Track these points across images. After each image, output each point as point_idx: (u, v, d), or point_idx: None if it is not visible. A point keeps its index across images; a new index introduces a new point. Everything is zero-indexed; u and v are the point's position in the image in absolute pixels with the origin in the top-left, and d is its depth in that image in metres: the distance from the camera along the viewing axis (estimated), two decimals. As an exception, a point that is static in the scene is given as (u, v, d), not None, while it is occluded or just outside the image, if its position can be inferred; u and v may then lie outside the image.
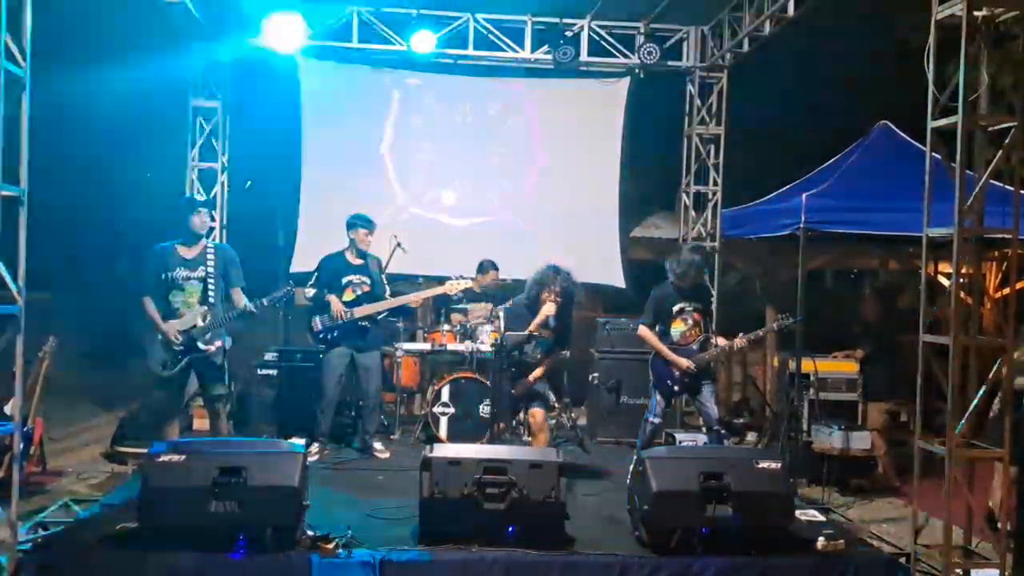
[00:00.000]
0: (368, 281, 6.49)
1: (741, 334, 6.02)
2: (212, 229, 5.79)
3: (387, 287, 6.65)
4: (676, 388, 6.02)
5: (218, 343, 5.64)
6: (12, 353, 4.41)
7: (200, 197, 5.80)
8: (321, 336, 6.44)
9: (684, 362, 5.91)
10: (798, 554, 4.58)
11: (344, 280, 6.45)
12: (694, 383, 5.99)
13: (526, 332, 5.78)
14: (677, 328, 6.05)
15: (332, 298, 6.38)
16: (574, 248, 8.73)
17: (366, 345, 6.49)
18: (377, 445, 6.63)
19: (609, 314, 8.37)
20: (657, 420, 6.07)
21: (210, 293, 5.59)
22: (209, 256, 5.63)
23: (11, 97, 4.29)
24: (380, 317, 6.63)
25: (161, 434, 5.63)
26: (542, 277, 5.84)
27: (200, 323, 5.55)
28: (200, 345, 5.56)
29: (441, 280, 7.03)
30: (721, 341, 6.05)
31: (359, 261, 6.51)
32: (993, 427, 5.05)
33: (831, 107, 11.87)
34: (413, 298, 6.57)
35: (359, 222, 6.49)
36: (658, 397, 6.06)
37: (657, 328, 6.07)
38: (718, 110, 8.83)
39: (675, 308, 6.04)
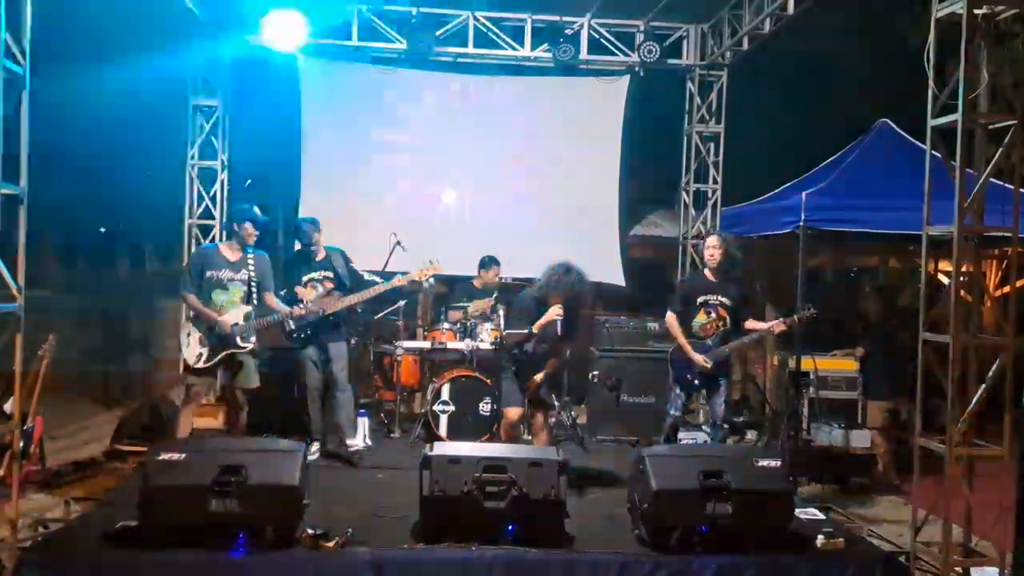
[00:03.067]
0: (331, 276, 6.46)
1: (781, 319, 6.06)
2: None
3: (361, 275, 6.59)
4: (696, 382, 6.03)
5: (252, 340, 5.87)
6: (11, 351, 4.41)
7: (257, 210, 5.94)
8: (295, 336, 6.41)
9: (700, 359, 5.91)
10: (798, 553, 4.58)
11: (305, 278, 6.44)
12: (711, 378, 6.02)
13: (527, 331, 5.75)
14: (699, 319, 6.04)
15: (301, 291, 6.35)
16: (574, 246, 8.63)
17: (333, 337, 6.44)
18: (351, 442, 6.50)
19: (609, 312, 8.37)
20: (677, 413, 6.11)
21: (252, 295, 5.87)
22: (250, 261, 5.89)
23: (11, 96, 4.29)
24: (384, 312, 6.59)
25: (177, 420, 5.91)
26: (553, 277, 5.64)
27: (242, 322, 5.79)
28: (238, 341, 5.77)
29: (442, 279, 7.02)
30: (758, 325, 6.08)
31: (319, 257, 6.49)
32: None
33: (831, 106, 11.86)
34: (373, 292, 6.47)
35: (306, 225, 6.46)
36: (678, 390, 6.08)
37: (681, 318, 6.06)
38: (718, 108, 8.83)
39: (700, 299, 6.04)
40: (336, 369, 6.40)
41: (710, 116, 8.85)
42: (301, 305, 6.03)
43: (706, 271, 6.13)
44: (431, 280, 6.74)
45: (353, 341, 7.01)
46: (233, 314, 5.78)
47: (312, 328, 6.35)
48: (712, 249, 6.08)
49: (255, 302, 5.86)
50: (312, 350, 6.41)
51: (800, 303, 6.34)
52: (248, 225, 5.84)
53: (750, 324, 6.15)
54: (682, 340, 6.00)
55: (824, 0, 6.90)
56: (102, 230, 11.73)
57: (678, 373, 6.07)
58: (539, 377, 5.76)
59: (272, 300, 6.00)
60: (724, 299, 6.03)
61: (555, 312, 5.58)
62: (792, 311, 6.15)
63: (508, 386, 5.77)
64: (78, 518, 5.01)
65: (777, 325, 6.04)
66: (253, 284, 5.85)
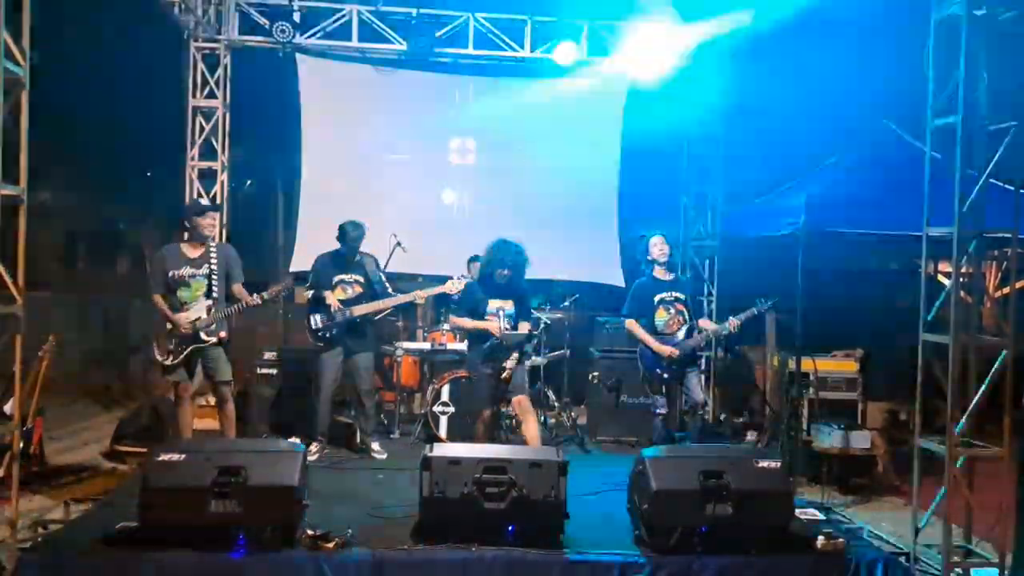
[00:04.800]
0: (361, 280, 6.49)
1: (731, 317, 6.20)
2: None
3: (388, 286, 6.64)
4: (665, 376, 6.17)
5: (222, 334, 5.91)
6: (12, 352, 4.41)
7: (204, 201, 6.03)
8: (320, 334, 6.44)
9: (667, 350, 6.09)
10: (798, 553, 4.58)
11: (335, 279, 6.46)
12: (680, 370, 6.16)
13: (527, 331, 5.80)
14: (660, 317, 6.23)
15: (328, 294, 6.39)
16: (574, 247, 8.75)
17: (360, 346, 6.49)
18: (375, 446, 6.63)
19: (608, 313, 8.38)
20: (663, 411, 6.21)
21: (214, 288, 5.89)
22: (212, 254, 5.93)
23: (11, 96, 4.29)
24: (377, 318, 6.62)
25: (175, 419, 6.02)
26: (495, 254, 5.89)
27: (204, 316, 5.84)
28: (203, 336, 5.83)
29: (442, 280, 7.02)
30: (706, 324, 6.29)
31: (352, 260, 6.52)
32: None
33: (831, 106, 11.86)
34: (410, 297, 6.55)
35: (350, 227, 6.48)
36: (653, 386, 6.25)
37: (641, 320, 6.25)
38: (718, 109, 8.82)
39: (656, 297, 6.22)
40: (361, 382, 6.52)
41: (710, 116, 8.84)
42: (258, 295, 5.95)
43: (656, 271, 6.31)
44: (459, 294, 6.78)
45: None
46: (196, 309, 5.84)
47: (338, 330, 6.38)
48: (661, 246, 6.30)
49: (216, 295, 5.88)
50: (335, 352, 6.44)
51: (799, 304, 6.35)
52: (197, 219, 5.89)
53: (702, 323, 6.35)
54: (644, 336, 6.18)
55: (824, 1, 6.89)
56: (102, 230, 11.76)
57: (647, 370, 6.23)
58: (511, 364, 5.82)
59: (240, 290, 6.01)
60: (678, 294, 6.25)
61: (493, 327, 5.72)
62: (752, 305, 6.18)
63: (481, 386, 5.94)
64: (78, 518, 5.01)
65: (733, 323, 6.17)
66: (215, 277, 5.89)
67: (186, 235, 5.97)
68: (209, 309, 5.85)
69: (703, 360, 7.85)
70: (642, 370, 6.32)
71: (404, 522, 4.75)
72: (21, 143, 4.36)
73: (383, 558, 4.29)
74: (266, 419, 7.15)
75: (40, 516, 5.12)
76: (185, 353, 5.83)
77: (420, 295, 6.64)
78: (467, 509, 4.43)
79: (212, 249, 5.94)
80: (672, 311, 6.21)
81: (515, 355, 5.87)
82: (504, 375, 5.80)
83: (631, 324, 6.28)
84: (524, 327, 6.00)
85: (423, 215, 8.67)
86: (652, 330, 6.20)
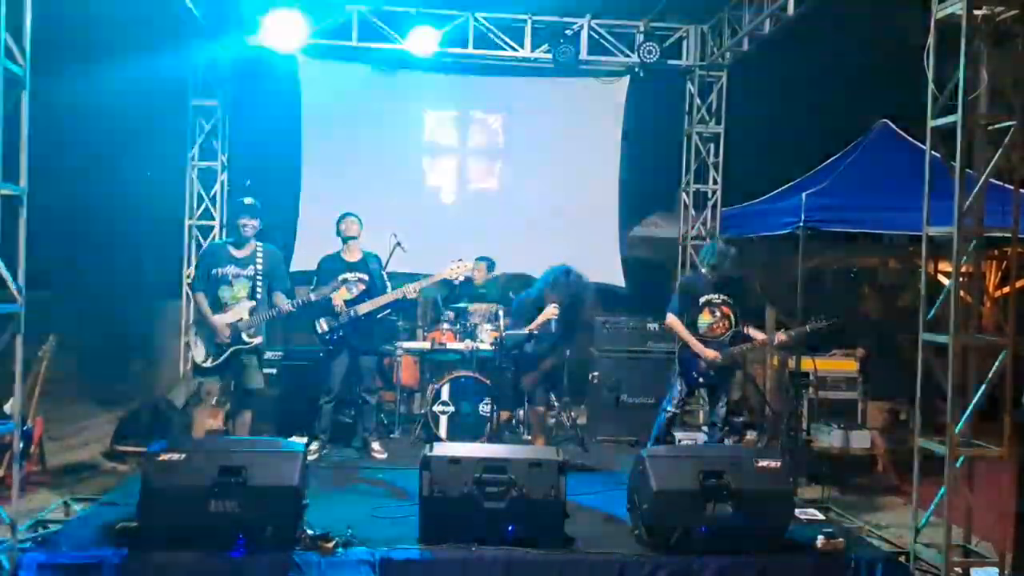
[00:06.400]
0: (365, 278, 6.50)
1: (783, 329, 6.06)
2: (259, 230, 5.96)
3: (388, 284, 6.64)
4: (701, 380, 6.00)
5: (259, 338, 5.87)
6: (12, 352, 4.41)
7: (248, 201, 5.95)
8: (328, 337, 6.43)
9: (711, 353, 5.88)
10: (798, 553, 4.59)
11: (340, 279, 6.46)
12: (717, 378, 5.99)
13: (525, 331, 5.80)
14: (704, 320, 6.02)
15: (333, 295, 6.39)
16: (574, 247, 8.71)
17: (367, 346, 6.51)
18: (375, 445, 6.64)
19: (608, 313, 8.39)
20: (676, 411, 6.09)
21: (257, 290, 5.85)
22: (259, 256, 5.89)
23: (11, 96, 4.29)
24: (381, 315, 6.62)
25: (190, 418, 6.07)
26: (551, 279, 5.83)
27: (246, 317, 5.80)
28: (244, 337, 5.79)
29: (442, 280, 7.00)
30: (755, 333, 6.03)
31: (355, 258, 6.53)
32: None
33: (831, 106, 11.85)
34: (412, 288, 6.51)
35: (346, 213, 6.57)
36: (680, 385, 6.05)
37: (684, 319, 6.04)
38: (718, 109, 8.83)
39: (703, 299, 6.01)
40: (366, 381, 6.57)
41: (710, 116, 8.85)
42: (304, 298, 6.00)
43: (705, 271, 6.12)
44: (461, 279, 6.79)
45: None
46: (237, 310, 5.78)
47: (345, 330, 6.37)
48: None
49: (259, 297, 5.82)
50: (343, 356, 6.45)
51: (799, 303, 6.34)
52: (243, 217, 5.84)
53: (753, 333, 6.11)
54: (687, 335, 5.96)
55: (824, 0, 6.89)
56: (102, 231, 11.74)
57: (685, 371, 6.03)
58: (543, 368, 5.85)
59: (281, 300, 5.92)
60: (727, 298, 6.04)
61: (551, 312, 5.69)
62: (808, 318, 6.07)
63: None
64: (78, 518, 5.01)
65: (781, 337, 6.03)
66: (259, 279, 5.83)
67: (230, 233, 5.97)
68: (251, 311, 5.79)
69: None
70: (678, 369, 6.12)
71: (404, 522, 4.75)
72: (21, 143, 4.36)
73: (383, 558, 4.29)
74: (266, 419, 7.14)
75: (40, 516, 5.12)
76: (226, 355, 5.76)
77: (419, 286, 6.56)
78: (467, 509, 4.44)
79: (259, 251, 5.89)
80: (718, 314, 5.99)
81: (546, 363, 5.87)
82: (524, 382, 5.83)
83: (673, 321, 6.03)
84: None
85: (423, 215, 8.67)
86: (694, 331, 5.98)
